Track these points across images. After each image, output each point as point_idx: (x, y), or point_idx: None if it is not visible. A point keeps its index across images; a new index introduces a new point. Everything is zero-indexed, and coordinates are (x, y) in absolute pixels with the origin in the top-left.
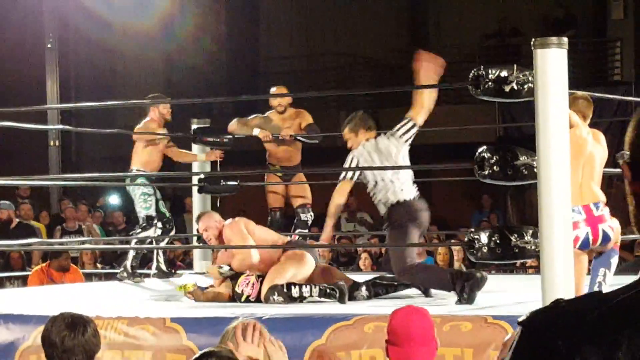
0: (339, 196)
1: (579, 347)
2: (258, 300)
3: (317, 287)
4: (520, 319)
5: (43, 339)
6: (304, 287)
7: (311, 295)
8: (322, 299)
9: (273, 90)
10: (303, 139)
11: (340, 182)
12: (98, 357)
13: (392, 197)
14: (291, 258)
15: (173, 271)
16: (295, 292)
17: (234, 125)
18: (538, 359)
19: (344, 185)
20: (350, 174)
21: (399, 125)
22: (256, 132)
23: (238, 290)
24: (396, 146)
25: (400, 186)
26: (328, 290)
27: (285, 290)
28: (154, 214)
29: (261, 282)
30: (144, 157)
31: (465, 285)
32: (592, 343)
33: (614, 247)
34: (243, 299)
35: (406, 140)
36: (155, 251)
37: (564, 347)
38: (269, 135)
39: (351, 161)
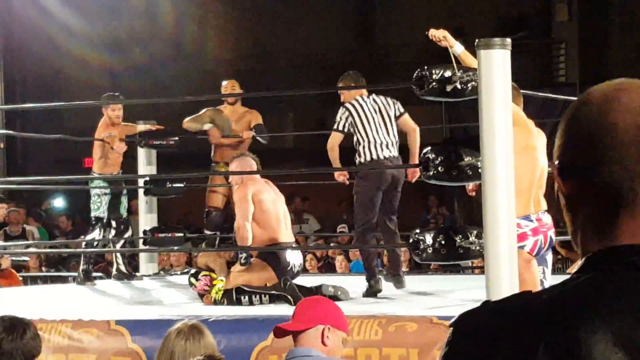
0: (331, 150)
1: (500, 347)
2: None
3: (267, 296)
4: (450, 321)
5: None
6: (254, 296)
7: (261, 303)
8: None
9: (224, 83)
10: (260, 138)
11: (331, 134)
12: None
13: (368, 155)
14: (254, 269)
15: (134, 273)
16: (244, 301)
17: (187, 122)
18: (465, 359)
19: (334, 138)
20: (340, 125)
21: None
22: (207, 126)
23: (193, 280)
24: (390, 107)
25: (373, 141)
26: (278, 298)
27: (234, 298)
28: (102, 215)
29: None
30: (97, 157)
31: (372, 283)
32: (513, 342)
33: None
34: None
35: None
36: (114, 253)
37: (487, 347)
38: (218, 136)
39: (342, 113)
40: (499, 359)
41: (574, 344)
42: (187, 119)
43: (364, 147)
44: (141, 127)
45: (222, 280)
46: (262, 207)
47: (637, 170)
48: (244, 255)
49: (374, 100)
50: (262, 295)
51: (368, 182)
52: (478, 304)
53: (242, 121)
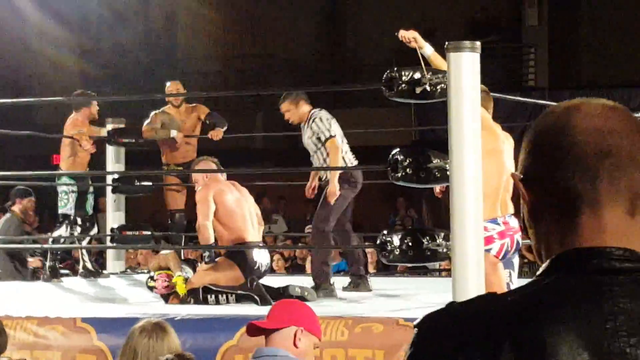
0: (336, 156)
1: (464, 347)
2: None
3: (234, 296)
4: (414, 322)
5: None
6: (220, 295)
7: (227, 303)
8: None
9: (168, 84)
10: (218, 123)
11: (328, 143)
12: (7, 357)
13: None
14: (221, 268)
15: (100, 270)
16: (211, 300)
17: (147, 132)
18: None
19: (335, 143)
20: (332, 130)
21: None
22: (174, 133)
23: (153, 275)
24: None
25: (346, 150)
26: (244, 298)
27: (201, 297)
28: (69, 212)
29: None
30: (65, 155)
31: (321, 288)
32: (477, 344)
33: None
34: (154, 291)
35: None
36: (80, 250)
37: (451, 348)
38: (182, 137)
39: (325, 120)
40: (464, 359)
41: (539, 344)
42: (144, 127)
43: (345, 152)
44: (107, 129)
45: (180, 276)
46: (226, 207)
47: (595, 170)
48: (207, 253)
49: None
50: (229, 295)
51: (350, 188)
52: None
53: (190, 117)
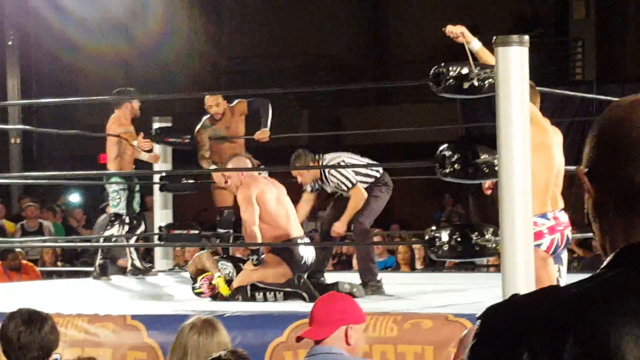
0: (359, 202)
1: (528, 339)
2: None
3: (282, 293)
4: (478, 314)
5: (0, 335)
6: (268, 293)
7: (275, 300)
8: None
9: (207, 98)
10: (263, 109)
11: (351, 191)
12: (59, 354)
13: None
14: (268, 264)
15: (149, 267)
16: (259, 298)
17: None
18: (492, 350)
19: (359, 190)
20: (355, 180)
21: None
22: (144, 156)
23: (196, 285)
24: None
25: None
26: (292, 295)
27: (249, 295)
28: (122, 211)
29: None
30: (112, 155)
31: (368, 285)
32: (541, 336)
33: None
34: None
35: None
36: (128, 248)
37: (514, 339)
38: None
39: (342, 169)
40: (527, 351)
41: (603, 338)
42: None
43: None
44: (144, 156)
45: (220, 277)
46: (268, 207)
47: None
48: (255, 257)
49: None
50: (277, 292)
51: (386, 191)
52: (494, 302)
53: (233, 120)
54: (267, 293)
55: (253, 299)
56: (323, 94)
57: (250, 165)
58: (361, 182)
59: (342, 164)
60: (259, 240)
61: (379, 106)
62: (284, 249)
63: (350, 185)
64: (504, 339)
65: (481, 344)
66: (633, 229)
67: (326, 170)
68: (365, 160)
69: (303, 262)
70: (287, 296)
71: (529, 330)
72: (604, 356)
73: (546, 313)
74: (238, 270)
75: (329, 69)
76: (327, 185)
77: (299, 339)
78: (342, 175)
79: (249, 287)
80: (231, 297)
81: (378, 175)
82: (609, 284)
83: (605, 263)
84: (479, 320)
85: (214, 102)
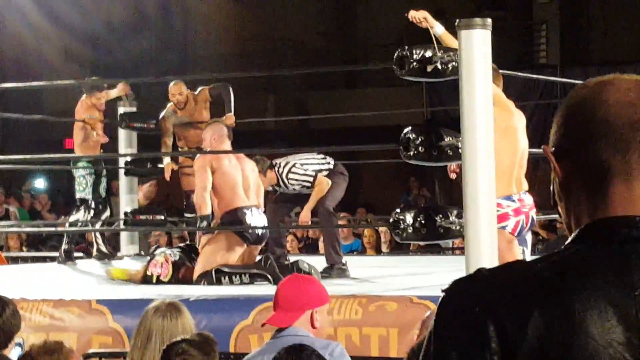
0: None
1: (494, 311)
2: (172, 280)
3: (247, 275)
4: (442, 287)
5: None
6: (234, 277)
7: (242, 283)
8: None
9: (170, 85)
10: (225, 91)
11: (316, 186)
12: (22, 339)
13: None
14: (223, 239)
15: (114, 252)
16: (225, 282)
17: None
18: (457, 323)
19: (321, 180)
20: (314, 172)
21: None
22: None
23: (148, 273)
24: None
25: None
26: (258, 277)
27: (214, 280)
28: (87, 196)
29: (173, 263)
30: (79, 139)
31: (334, 268)
32: (507, 308)
33: None
34: (154, 280)
35: None
36: (93, 233)
37: (480, 311)
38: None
39: (294, 173)
40: (493, 323)
41: (568, 311)
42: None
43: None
44: (114, 92)
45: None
46: (220, 176)
47: (627, 143)
48: (205, 222)
49: None
50: (242, 275)
51: (344, 180)
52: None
53: (198, 107)
54: (233, 277)
55: (219, 282)
56: (289, 78)
57: (225, 130)
58: (319, 171)
59: (294, 168)
60: (208, 206)
61: (346, 90)
62: (233, 219)
63: (311, 179)
64: (470, 312)
65: (447, 316)
66: (598, 206)
67: (284, 177)
68: (316, 155)
69: (254, 231)
70: (253, 278)
71: (495, 302)
72: (568, 328)
73: (512, 286)
74: (189, 259)
75: (295, 53)
76: (288, 190)
77: (264, 325)
78: (300, 175)
79: (213, 272)
80: (196, 283)
81: (331, 166)
82: (574, 258)
83: (570, 238)
84: (445, 294)
85: (177, 92)
